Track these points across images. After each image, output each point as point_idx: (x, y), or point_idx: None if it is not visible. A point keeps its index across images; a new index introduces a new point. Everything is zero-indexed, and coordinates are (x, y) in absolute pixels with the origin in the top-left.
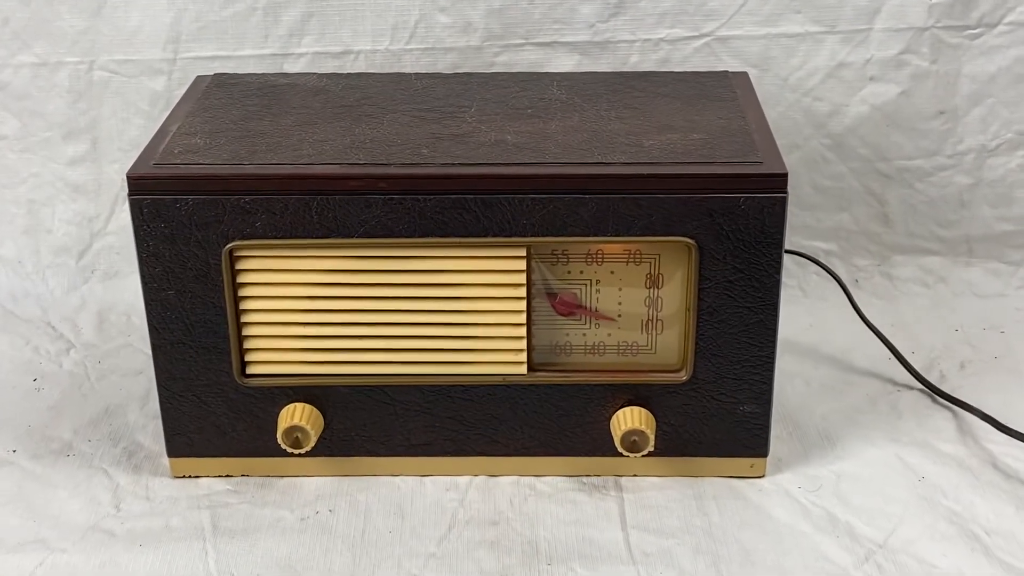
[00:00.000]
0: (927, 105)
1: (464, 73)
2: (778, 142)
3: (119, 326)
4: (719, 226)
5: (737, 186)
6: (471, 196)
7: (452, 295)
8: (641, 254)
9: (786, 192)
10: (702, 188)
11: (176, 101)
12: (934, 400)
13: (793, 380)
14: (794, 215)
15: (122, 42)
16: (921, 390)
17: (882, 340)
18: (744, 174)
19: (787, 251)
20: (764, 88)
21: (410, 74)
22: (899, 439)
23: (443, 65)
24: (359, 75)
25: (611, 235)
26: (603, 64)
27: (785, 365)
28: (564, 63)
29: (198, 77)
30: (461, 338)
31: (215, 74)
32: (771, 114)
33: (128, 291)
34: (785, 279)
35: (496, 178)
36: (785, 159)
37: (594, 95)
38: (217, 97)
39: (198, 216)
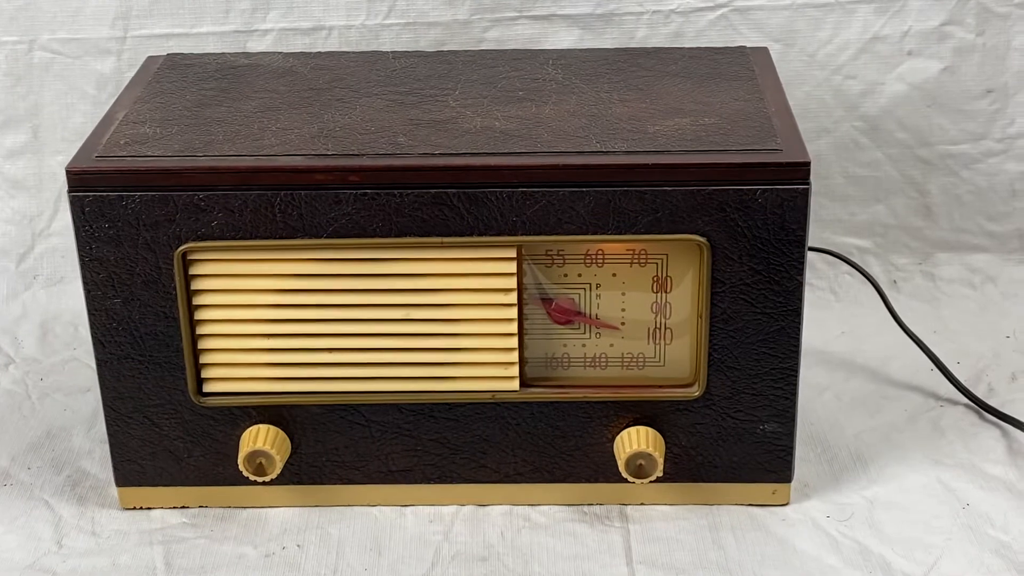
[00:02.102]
0: (973, 83)
1: (448, 51)
2: (805, 126)
3: (64, 338)
4: (734, 222)
5: (754, 177)
6: (454, 190)
7: (434, 302)
8: (647, 254)
9: (809, 183)
10: (714, 179)
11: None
12: (981, 416)
13: (822, 395)
14: (824, 208)
15: (66, 19)
16: (967, 405)
17: (923, 349)
18: (761, 163)
19: (814, 249)
20: (788, 65)
21: (387, 52)
22: (942, 461)
23: (426, 42)
24: (330, 54)
25: (612, 233)
26: (606, 40)
27: (813, 378)
28: (563, 39)
29: (149, 58)
30: (444, 350)
31: (168, 54)
32: (797, 94)
33: (75, 298)
34: (814, 281)
35: (483, 170)
36: (813, 145)
37: (594, 75)
38: (169, 80)
39: (146, 215)
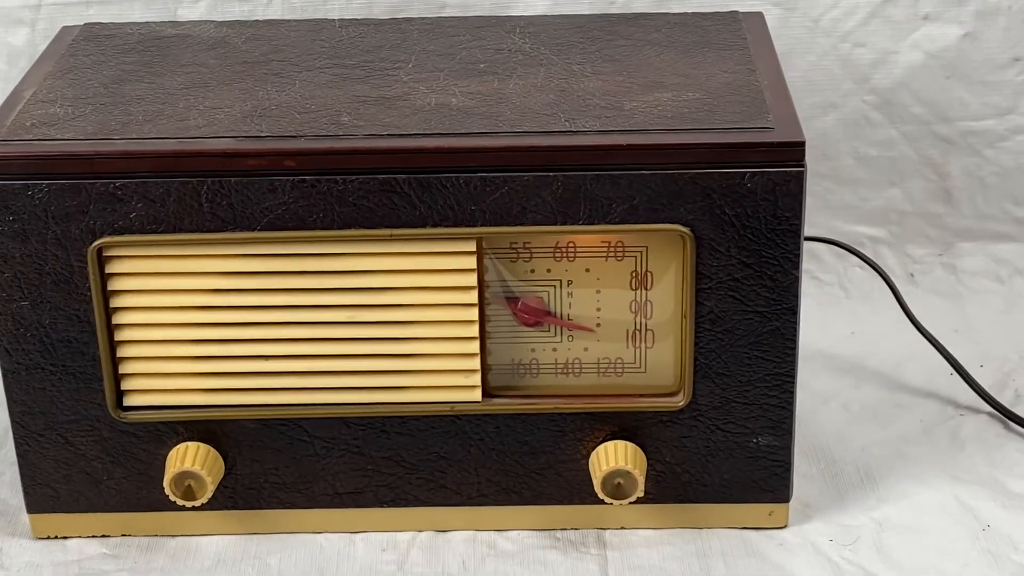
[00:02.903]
0: (997, 50)
1: (403, 19)
2: (809, 101)
3: None
4: (721, 209)
5: (742, 158)
6: (405, 176)
7: (383, 302)
8: (623, 247)
9: (803, 165)
10: (699, 162)
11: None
12: (1007, 426)
13: (828, 403)
14: (832, 193)
15: None
16: (990, 414)
17: (941, 351)
18: (751, 143)
19: (821, 240)
20: (789, 32)
21: (333, 21)
22: (960, 477)
23: (380, 8)
24: (268, 23)
25: (584, 223)
26: (582, 4)
27: (818, 385)
28: (534, 3)
29: (63, 28)
30: (397, 357)
31: (85, 24)
32: (799, 65)
33: None
34: (821, 275)
35: (437, 152)
36: (818, 122)
37: (566, 44)
38: (85, 53)
39: (56, 206)
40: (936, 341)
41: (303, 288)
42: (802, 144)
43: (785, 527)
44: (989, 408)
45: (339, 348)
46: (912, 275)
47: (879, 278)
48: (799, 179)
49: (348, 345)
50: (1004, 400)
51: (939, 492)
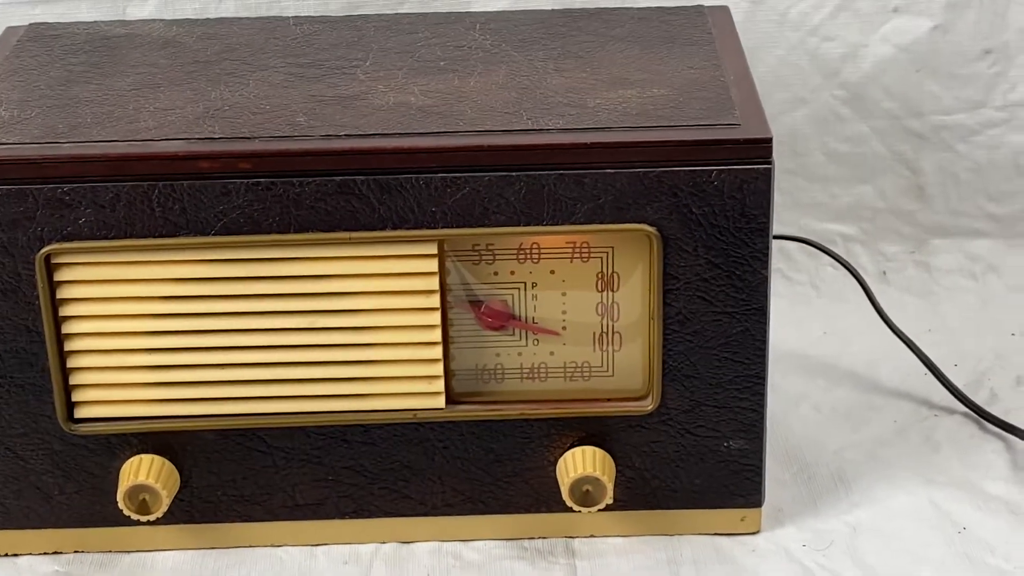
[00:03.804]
0: (969, 43)
1: (359, 16)
2: (777, 97)
3: None
4: (687, 208)
5: (709, 156)
6: (363, 177)
7: (343, 307)
8: (589, 248)
9: (771, 162)
10: (664, 160)
11: None
12: (982, 427)
13: (799, 405)
14: (802, 190)
15: None
16: (965, 414)
17: (915, 351)
18: (717, 140)
19: (792, 238)
20: (756, 26)
21: (287, 18)
22: (934, 479)
23: (336, 5)
24: (220, 21)
25: (549, 224)
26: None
27: (789, 386)
28: (495, 0)
29: (8, 29)
30: (357, 364)
31: (30, 24)
32: (767, 60)
33: None
34: (792, 274)
35: (396, 153)
36: (787, 118)
37: (528, 40)
38: (31, 54)
39: (2, 212)
40: (909, 340)
41: (259, 294)
42: (769, 141)
43: (758, 533)
44: (964, 408)
45: (297, 355)
46: (884, 273)
47: (851, 277)
48: (767, 176)
49: (307, 352)
50: (979, 400)
51: (913, 495)
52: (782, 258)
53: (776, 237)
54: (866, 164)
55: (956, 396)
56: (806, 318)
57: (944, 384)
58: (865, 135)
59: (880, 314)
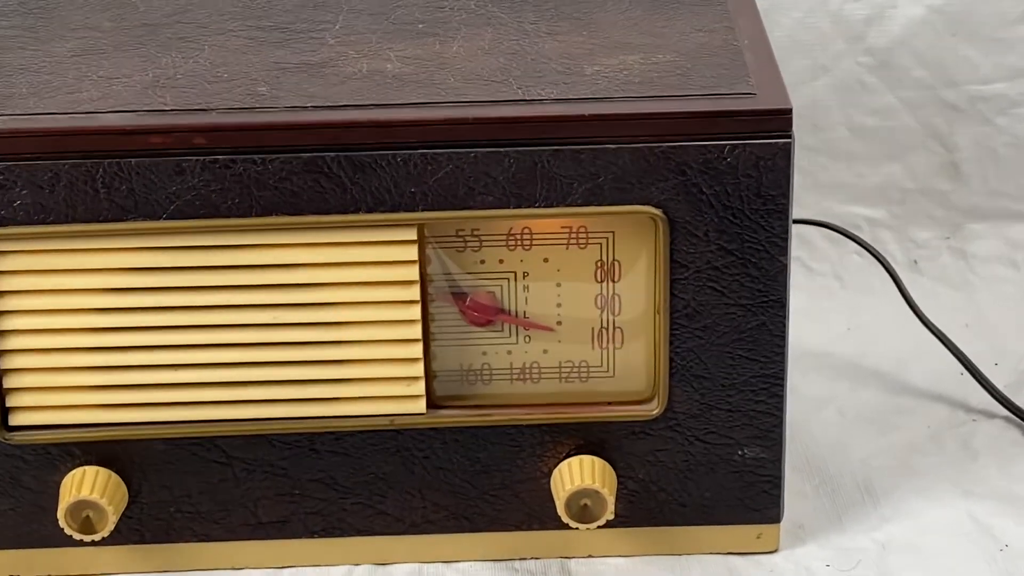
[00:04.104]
0: (1010, 3)
1: None
2: (796, 64)
3: None
4: (697, 188)
5: (720, 129)
6: (333, 154)
7: (311, 301)
8: (587, 233)
9: (790, 136)
10: (671, 134)
11: None
12: None
13: (822, 409)
14: (824, 170)
15: None
16: (1007, 418)
17: (950, 348)
18: (730, 111)
19: (812, 223)
20: None
21: None
22: (973, 490)
23: None
24: None
25: (541, 205)
26: None
27: (810, 388)
28: None
29: None
30: (327, 364)
31: None
32: (783, 23)
33: None
34: (813, 263)
35: (370, 126)
36: (807, 88)
37: (517, 1)
38: None
39: None
40: (944, 336)
41: (217, 286)
42: (789, 112)
43: (776, 551)
44: (1005, 412)
45: (260, 355)
46: (916, 262)
47: (879, 265)
48: (786, 152)
49: (270, 351)
50: (1022, 402)
51: (950, 508)
52: (802, 245)
53: (795, 221)
54: (895, 140)
55: (996, 398)
56: (829, 312)
57: (983, 385)
58: (894, 107)
59: (911, 307)
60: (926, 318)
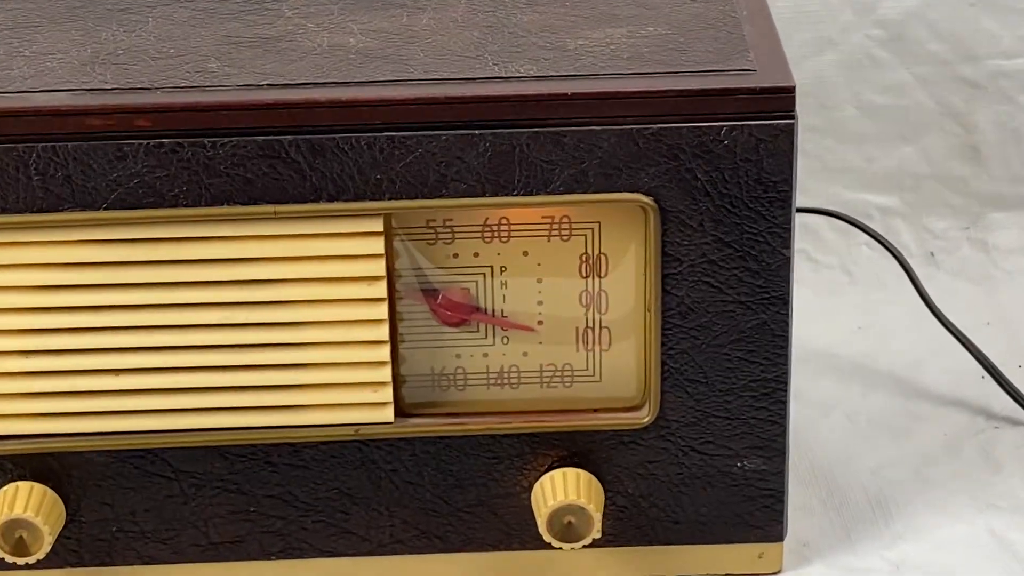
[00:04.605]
0: None
1: None
2: (800, 37)
3: None
4: (691, 174)
5: (717, 109)
6: (291, 137)
7: (267, 299)
8: (570, 223)
9: (794, 116)
10: (662, 114)
11: None
12: None
13: (829, 415)
14: (831, 153)
15: None
16: None
17: (970, 349)
18: (727, 89)
19: (818, 211)
20: None
21: None
22: (995, 504)
23: None
24: None
25: (520, 193)
26: None
27: (817, 392)
28: None
29: None
30: (285, 368)
31: None
32: None
33: None
34: (820, 256)
35: (332, 107)
36: (811, 63)
37: None
38: None
39: None
40: (963, 336)
41: (163, 283)
42: (791, 90)
43: (779, 573)
44: None
45: (210, 358)
46: (932, 254)
47: (891, 258)
48: (788, 134)
49: (222, 354)
50: None
51: (969, 524)
52: (807, 236)
53: (800, 210)
54: (909, 120)
55: (1020, 403)
56: (837, 309)
57: (1006, 388)
58: (907, 84)
59: (927, 304)
60: (943, 316)
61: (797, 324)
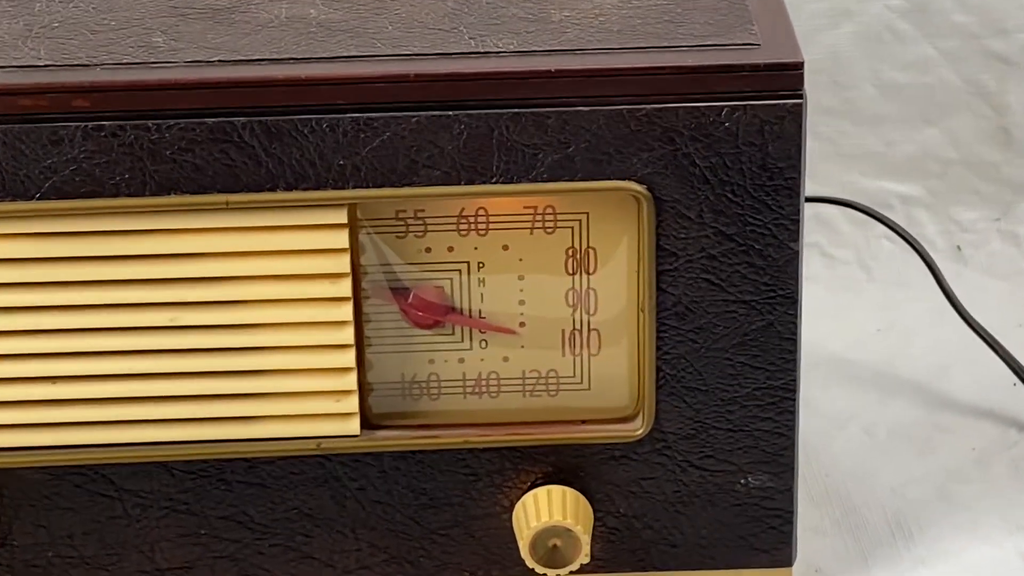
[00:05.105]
0: None
1: None
2: (812, 7)
3: None
4: (688, 160)
5: (717, 88)
6: (244, 119)
7: (219, 298)
8: (555, 214)
9: (802, 95)
10: (656, 93)
11: None
12: None
13: (845, 427)
14: (847, 136)
15: None
16: None
17: (999, 353)
18: (729, 66)
19: (833, 201)
20: None
21: None
22: None
23: None
24: None
25: (500, 181)
26: None
27: (831, 401)
28: None
29: None
30: (239, 375)
31: None
32: None
33: None
34: (835, 250)
35: (290, 85)
36: (825, 37)
37: None
38: None
39: None
40: (992, 339)
41: (103, 281)
42: (800, 66)
43: None
44: None
45: (156, 364)
46: (959, 248)
47: (914, 253)
48: (796, 115)
49: (169, 360)
50: None
51: (998, 547)
52: (821, 228)
53: (811, 199)
54: (933, 100)
55: None
56: (854, 309)
57: None
58: (931, 60)
59: (953, 304)
60: (971, 317)
61: (809, 326)
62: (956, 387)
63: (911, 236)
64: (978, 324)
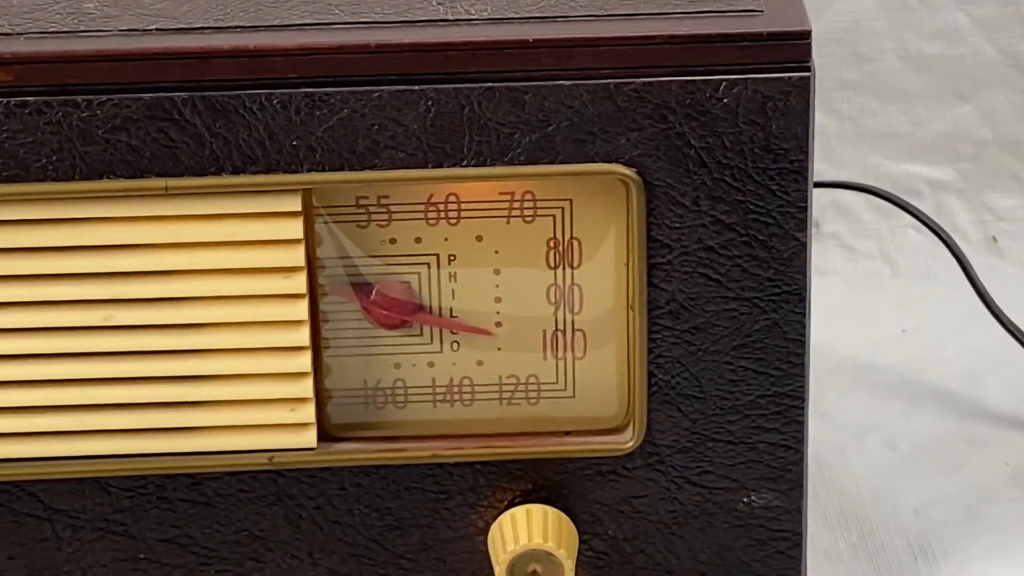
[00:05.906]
0: None
1: None
2: None
3: None
4: (683, 140)
5: (715, 60)
6: (185, 94)
7: (159, 295)
8: (535, 201)
9: (809, 68)
10: (647, 65)
11: None
12: None
13: (865, 439)
14: (869, 115)
15: None
16: None
17: None
18: (728, 35)
19: (853, 187)
20: None
21: None
22: None
23: None
24: None
25: (472, 164)
26: None
27: (847, 410)
28: None
29: None
30: (182, 381)
31: None
32: None
33: None
34: (855, 241)
35: (236, 56)
36: (841, 3)
37: None
38: None
39: None
40: None
41: (28, 275)
42: (806, 35)
43: None
44: None
45: (89, 369)
46: (994, 239)
47: (943, 245)
48: (802, 90)
49: (103, 364)
50: None
51: None
52: (841, 217)
53: (824, 184)
54: (965, 73)
55: None
56: (876, 308)
57: None
58: (963, 28)
59: (986, 302)
60: (1006, 317)
61: (826, 325)
62: (989, 395)
63: (940, 227)
64: (1014, 325)
